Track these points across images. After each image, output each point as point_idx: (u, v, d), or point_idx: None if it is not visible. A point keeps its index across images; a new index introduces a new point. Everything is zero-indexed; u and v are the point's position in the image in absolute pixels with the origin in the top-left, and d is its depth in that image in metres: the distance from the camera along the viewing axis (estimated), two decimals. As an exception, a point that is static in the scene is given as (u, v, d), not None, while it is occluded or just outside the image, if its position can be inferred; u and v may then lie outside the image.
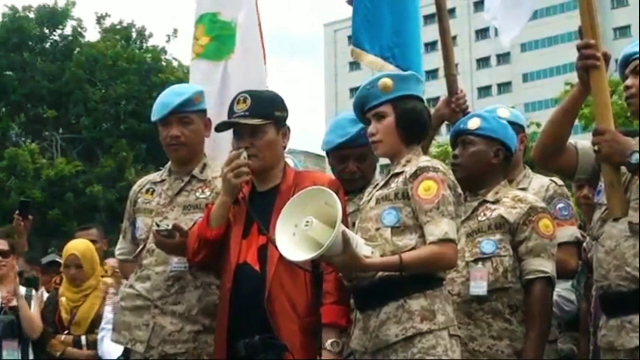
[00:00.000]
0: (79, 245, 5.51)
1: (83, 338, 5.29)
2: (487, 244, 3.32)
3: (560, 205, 3.76)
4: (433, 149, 18.56)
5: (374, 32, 4.32)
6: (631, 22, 54.93)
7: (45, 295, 5.60)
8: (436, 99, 4.29)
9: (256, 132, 3.31)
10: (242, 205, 3.34)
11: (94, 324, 5.26)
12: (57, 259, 6.27)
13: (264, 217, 3.23)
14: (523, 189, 3.70)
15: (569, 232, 3.72)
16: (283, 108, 3.41)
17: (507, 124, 3.59)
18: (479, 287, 3.26)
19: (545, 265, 3.29)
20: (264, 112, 3.32)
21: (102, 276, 5.52)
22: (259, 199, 3.36)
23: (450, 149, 3.76)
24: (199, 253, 3.35)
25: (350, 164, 3.71)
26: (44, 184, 25.40)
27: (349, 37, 5.13)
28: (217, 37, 4.38)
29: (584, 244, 3.86)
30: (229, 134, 3.55)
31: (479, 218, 3.38)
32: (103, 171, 26.30)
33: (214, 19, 4.40)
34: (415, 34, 4.37)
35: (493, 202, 3.40)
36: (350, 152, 3.71)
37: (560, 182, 3.84)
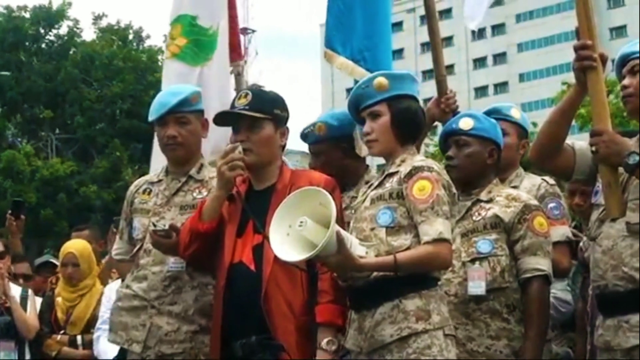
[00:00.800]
0: (77, 244, 5.52)
1: (79, 338, 5.29)
2: (484, 244, 3.32)
3: (552, 204, 3.75)
4: (430, 148, 18.54)
5: (347, 34, 4.32)
6: (627, 22, 54.93)
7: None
8: (433, 99, 4.29)
9: (253, 127, 3.30)
10: (238, 202, 3.33)
11: (90, 323, 5.26)
12: (52, 260, 6.27)
13: (260, 215, 3.22)
14: (514, 187, 3.70)
15: (561, 231, 3.72)
16: (283, 108, 3.41)
17: (495, 122, 3.58)
18: (477, 287, 3.26)
19: (541, 264, 3.30)
20: (264, 108, 3.32)
21: (98, 276, 5.53)
22: (255, 197, 3.35)
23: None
24: (189, 247, 3.33)
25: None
26: (38, 184, 25.35)
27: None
28: (195, 42, 4.41)
29: (581, 244, 3.86)
30: (227, 135, 3.55)
31: (474, 218, 3.38)
32: (97, 171, 26.25)
33: (192, 22, 4.42)
34: (386, 38, 4.38)
35: (487, 202, 3.40)
36: (309, 148, 3.80)
37: (552, 181, 3.84)
